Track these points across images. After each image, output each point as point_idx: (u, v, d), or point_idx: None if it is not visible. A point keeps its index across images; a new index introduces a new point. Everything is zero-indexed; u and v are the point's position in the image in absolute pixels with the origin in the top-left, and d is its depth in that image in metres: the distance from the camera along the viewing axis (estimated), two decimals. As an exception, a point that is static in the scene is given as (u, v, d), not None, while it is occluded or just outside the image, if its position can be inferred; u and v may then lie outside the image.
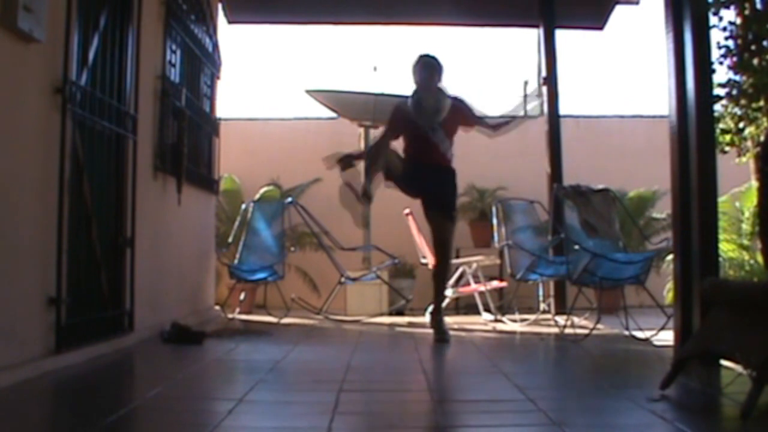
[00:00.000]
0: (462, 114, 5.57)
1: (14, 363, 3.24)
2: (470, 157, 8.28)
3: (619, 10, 7.66)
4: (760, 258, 4.58)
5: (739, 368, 3.06)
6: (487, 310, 6.80)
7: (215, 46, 6.96)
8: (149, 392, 3.19)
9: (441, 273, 5.54)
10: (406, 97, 5.54)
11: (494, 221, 6.76)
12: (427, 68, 5.52)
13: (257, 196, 7.67)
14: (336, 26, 8.66)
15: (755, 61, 4.98)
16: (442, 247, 5.47)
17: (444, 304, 6.91)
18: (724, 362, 3.44)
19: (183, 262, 6.04)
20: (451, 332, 5.95)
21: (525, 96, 9.73)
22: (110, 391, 3.31)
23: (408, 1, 7.57)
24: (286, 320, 6.54)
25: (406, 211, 7.06)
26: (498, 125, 5.83)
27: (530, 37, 9.21)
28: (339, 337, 5.83)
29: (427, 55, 5.59)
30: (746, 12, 5.04)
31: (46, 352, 3.56)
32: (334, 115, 7.91)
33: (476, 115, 5.72)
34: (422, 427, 2.68)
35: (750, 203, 6.04)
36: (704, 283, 3.26)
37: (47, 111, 3.61)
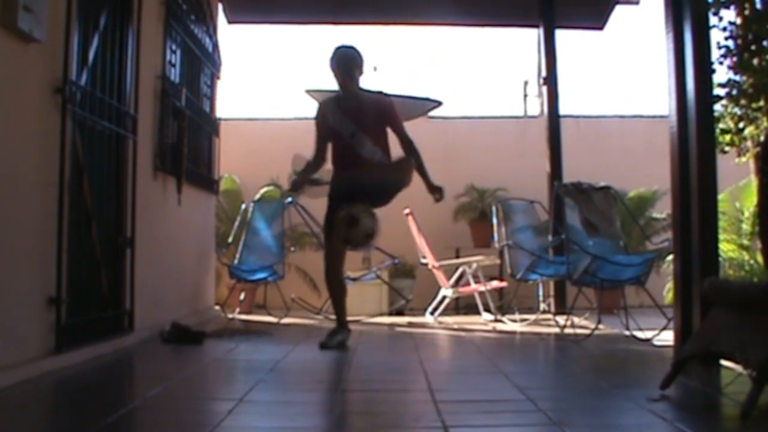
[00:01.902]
0: (382, 116, 4.87)
1: (14, 363, 3.24)
2: (470, 158, 8.33)
3: (619, 10, 7.67)
4: (760, 258, 4.57)
5: (739, 368, 3.06)
6: (487, 310, 6.80)
7: (215, 46, 6.96)
8: (149, 392, 3.19)
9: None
10: (338, 92, 4.95)
11: (494, 221, 6.76)
12: (346, 62, 4.82)
13: (257, 196, 7.67)
14: (336, 26, 8.66)
15: (755, 61, 4.98)
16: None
17: (444, 304, 6.98)
18: (724, 362, 3.44)
19: (183, 262, 6.04)
20: (452, 332, 5.97)
21: (525, 96, 9.77)
22: (110, 391, 3.31)
23: (408, 1, 7.57)
24: (286, 320, 6.54)
25: (406, 211, 7.06)
26: (428, 179, 5.00)
27: (530, 37, 9.25)
28: (339, 337, 5.82)
29: (344, 47, 4.87)
30: (746, 12, 5.04)
31: (46, 352, 3.56)
32: (334, 115, 7.89)
33: (399, 123, 4.92)
34: (422, 427, 2.68)
35: (750, 203, 6.04)
36: (704, 283, 3.26)
37: (47, 111, 3.61)
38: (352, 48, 4.89)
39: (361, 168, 4.81)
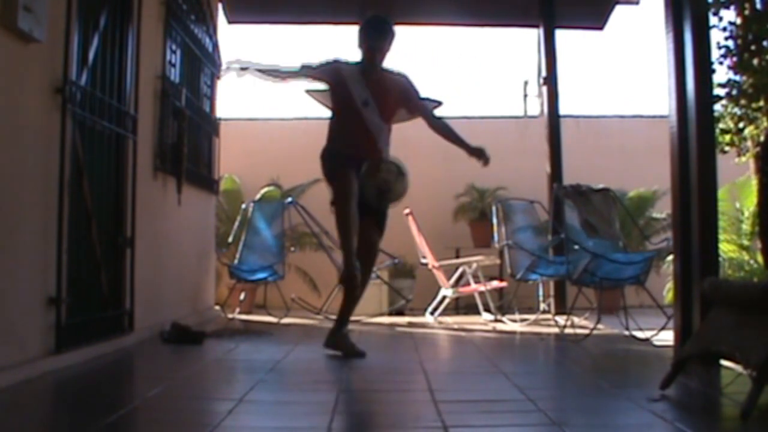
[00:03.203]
0: (403, 93, 4.62)
1: (14, 363, 3.24)
2: (470, 158, 8.30)
3: (619, 10, 7.67)
4: (760, 258, 4.58)
5: (739, 368, 3.06)
6: (487, 310, 6.79)
7: (215, 46, 6.96)
8: (149, 392, 3.19)
9: (350, 282, 4.58)
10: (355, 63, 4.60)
11: (494, 221, 6.76)
12: (378, 34, 4.48)
13: (257, 196, 7.68)
14: (336, 26, 8.65)
15: (755, 61, 4.99)
16: (368, 256, 4.61)
17: (444, 304, 6.98)
18: (724, 362, 3.44)
19: (183, 262, 6.04)
20: (452, 332, 5.97)
21: (525, 96, 9.77)
22: (110, 391, 3.31)
23: (408, 1, 7.57)
24: (286, 320, 6.54)
25: (406, 211, 7.06)
26: (465, 143, 4.80)
27: (530, 37, 9.25)
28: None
29: (377, 17, 4.55)
30: (746, 12, 5.04)
31: (46, 352, 3.56)
32: (334, 115, 7.89)
33: (421, 101, 4.75)
34: (422, 427, 2.68)
35: (750, 202, 6.04)
36: (704, 283, 3.26)
37: (47, 111, 3.61)
38: (385, 21, 4.54)
39: (373, 156, 4.52)
